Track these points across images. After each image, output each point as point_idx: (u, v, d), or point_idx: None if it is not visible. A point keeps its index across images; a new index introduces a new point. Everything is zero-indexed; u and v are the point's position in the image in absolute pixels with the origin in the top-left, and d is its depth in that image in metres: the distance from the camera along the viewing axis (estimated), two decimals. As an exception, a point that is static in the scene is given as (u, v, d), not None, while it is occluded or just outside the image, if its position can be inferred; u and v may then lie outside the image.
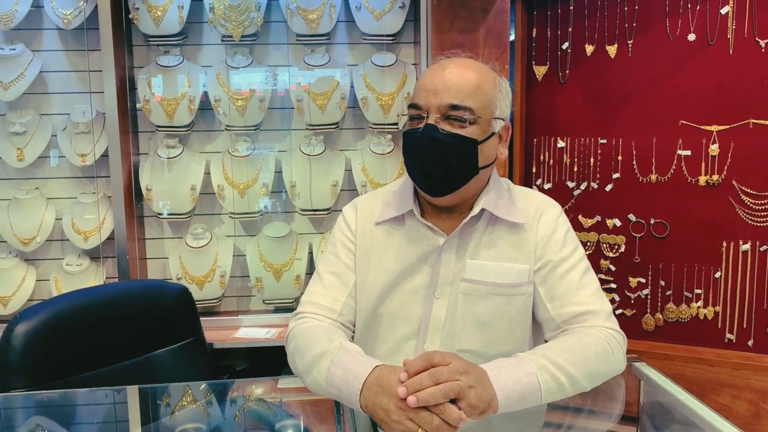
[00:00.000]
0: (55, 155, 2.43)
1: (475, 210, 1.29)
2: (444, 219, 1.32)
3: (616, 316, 1.30)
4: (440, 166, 1.23)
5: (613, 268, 2.21)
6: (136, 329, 1.85)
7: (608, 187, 2.20)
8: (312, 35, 2.38)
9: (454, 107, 1.22)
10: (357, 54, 2.49)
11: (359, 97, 2.42)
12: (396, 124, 2.43)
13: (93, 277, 2.42)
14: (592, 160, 2.22)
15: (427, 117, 1.23)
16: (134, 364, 1.84)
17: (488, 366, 1.08)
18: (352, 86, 2.43)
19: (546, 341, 1.30)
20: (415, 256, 1.31)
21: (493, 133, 1.27)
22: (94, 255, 2.46)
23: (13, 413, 1.60)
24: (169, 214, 2.43)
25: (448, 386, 0.99)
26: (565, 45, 2.23)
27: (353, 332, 1.36)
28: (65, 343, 1.71)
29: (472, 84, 1.23)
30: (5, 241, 2.39)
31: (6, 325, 2.15)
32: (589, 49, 2.20)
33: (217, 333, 2.31)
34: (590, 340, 1.19)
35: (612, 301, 2.21)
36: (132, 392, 1.67)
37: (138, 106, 2.38)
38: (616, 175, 2.18)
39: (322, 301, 1.33)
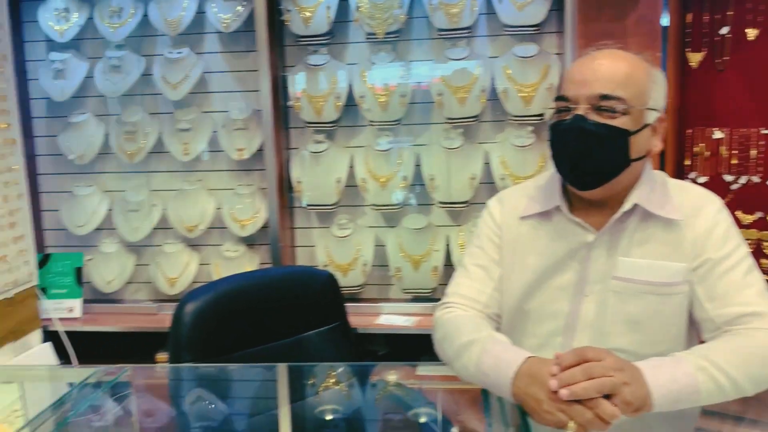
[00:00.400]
0: (215, 150, 2.64)
1: (627, 205, 1.25)
2: (593, 214, 1.29)
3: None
4: (589, 158, 1.21)
5: (775, 268, 2.05)
6: (288, 312, 1.98)
7: (771, 181, 2.04)
8: (453, 29, 2.41)
9: (605, 97, 1.19)
10: (498, 46, 2.48)
11: (500, 89, 2.41)
12: (538, 115, 2.40)
13: (248, 262, 2.61)
14: (753, 151, 2.07)
15: (576, 108, 1.21)
16: (286, 344, 1.96)
17: (643, 364, 1.06)
18: (492, 78, 2.43)
19: (702, 342, 1.24)
20: (562, 253, 1.30)
21: (646, 125, 1.23)
22: (249, 242, 2.65)
23: (182, 383, 1.78)
24: (316, 205, 2.56)
25: (602, 381, 0.99)
26: (724, 30, 2.09)
27: (498, 325, 1.38)
28: (226, 322, 1.86)
29: (623, 74, 1.20)
30: (173, 228, 2.64)
31: (174, 303, 2.41)
32: (752, 33, 2.04)
33: (359, 318, 2.41)
34: (755, 342, 1.13)
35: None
36: (282, 370, 1.79)
37: (289, 103, 2.53)
38: (781, 168, 2.02)
39: (469, 293, 1.36)
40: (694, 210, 1.26)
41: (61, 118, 2.67)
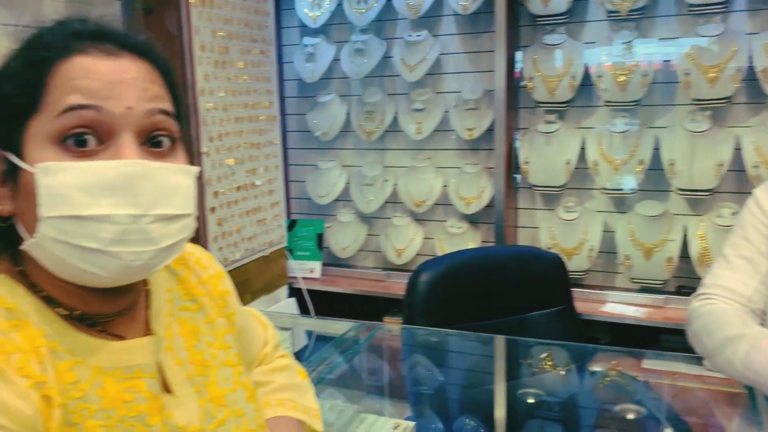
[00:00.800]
0: (444, 129, 2.73)
1: None
2: None
3: None
4: None
5: None
6: (515, 290, 2.01)
7: None
8: (706, 4, 2.23)
9: None
10: (760, 21, 2.25)
11: (759, 68, 2.19)
12: (804, 97, 2.15)
13: (470, 239, 2.69)
14: None
15: None
16: (511, 321, 2.00)
17: None
18: (749, 57, 2.22)
19: None
20: None
21: None
22: (472, 220, 2.72)
23: (425, 345, 1.89)
24: (542, 187, 2.55)
25: None
26: None
27: (762, 321, 1.29)
28: (457, 294, 1.95)
29: None
30: (402, 203, 2.80)
31: (399, 272, 2.57)
32: None
33: (582, 304, 2.36)
34: None
35: None
36: (506, 344, 1.83)
37: (522, 83, 2.53)
38: None
39: (732, 285, 1.28)
40: None
41: (309, 98, 2.95)
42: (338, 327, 1.67)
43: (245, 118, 2.32)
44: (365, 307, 2.70)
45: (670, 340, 2.28)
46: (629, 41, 2.35)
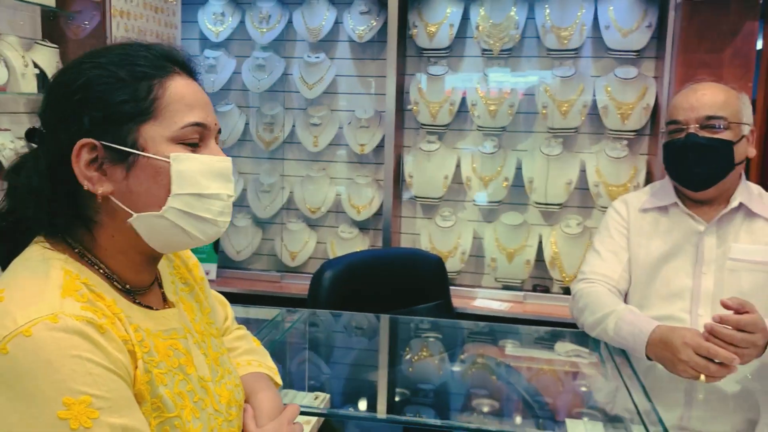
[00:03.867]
0: (339, 143, 3.01)
1: (734, 203, 1.58)
2: (699, 210, 1.62)
3: None
4: (702, 164, 1.54)
5: None
6: (402, 286, 2.31)
7: None
8: (562, 50, 2.70)
9: (710, 118, 1.54)
10: (600, 67, 2.76)
11: (600, 105, 2.69)
12: (633, 131, 2.67)
13: (360, 243, 2.98)
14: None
15: (687, 128, 1.55)
16: (400, 313, 2.30)
17: None
18: (593, 95, 2.71)
19: None
20: (680, 239, 1.62)
21: (743, 136, 1.56)
22: (362, 226, 3.01)
23: (312, 327, 2.11)
24: (423, 198, 2.90)
25: None
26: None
27: (624, 297, 1.70)
28: (354, 289, 2.21)
29: (721, 99, 1.55)
30: (298, 209, 3.04)
31: (293, 274, 2.77)
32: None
33: (456, 300, 2.71)
34: None
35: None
36: (384, 320, 2.11)
37: (408, 107, 2.87)
38: None
39: (603, 271, 1.69)
40: None
41: (208, 107, 3.10)
42: (265, 312, 1.88)
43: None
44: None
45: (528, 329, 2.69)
46: (500, 76, 2.76)
